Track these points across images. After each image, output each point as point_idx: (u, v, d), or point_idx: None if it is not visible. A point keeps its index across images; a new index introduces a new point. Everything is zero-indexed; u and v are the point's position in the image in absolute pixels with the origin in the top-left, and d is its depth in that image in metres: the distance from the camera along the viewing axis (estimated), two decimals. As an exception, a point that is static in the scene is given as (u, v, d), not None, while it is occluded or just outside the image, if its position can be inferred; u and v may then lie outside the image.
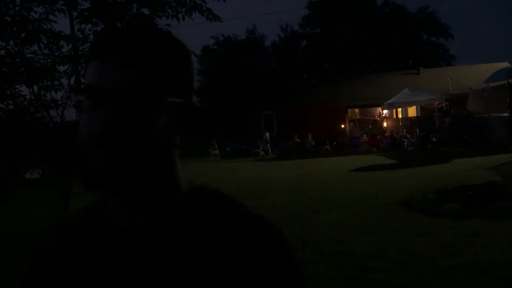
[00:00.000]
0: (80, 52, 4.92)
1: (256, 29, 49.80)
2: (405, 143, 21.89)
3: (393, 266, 5.15)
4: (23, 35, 4.52)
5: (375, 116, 27.90)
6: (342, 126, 28.20)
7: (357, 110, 29.54)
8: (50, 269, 0.81)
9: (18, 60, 4.58)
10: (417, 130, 22.47)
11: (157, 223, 0.76)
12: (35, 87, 4.67)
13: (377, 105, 26.34)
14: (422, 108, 25.72)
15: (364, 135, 24.82)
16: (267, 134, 26.32)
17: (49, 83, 4.78)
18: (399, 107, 25.72)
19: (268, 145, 25.24)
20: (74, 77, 4.91)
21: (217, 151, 25.45)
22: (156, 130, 0.73)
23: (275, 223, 0.78)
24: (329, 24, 46.00)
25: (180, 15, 4.65)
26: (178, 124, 0.77)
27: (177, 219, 0.76)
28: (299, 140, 24.70)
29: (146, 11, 4.74)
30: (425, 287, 4.57)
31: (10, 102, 4.63)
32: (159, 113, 0.73)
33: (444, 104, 22.75)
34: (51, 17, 4.60)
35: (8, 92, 4.56)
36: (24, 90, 4.76)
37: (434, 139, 21.60)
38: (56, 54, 4.84)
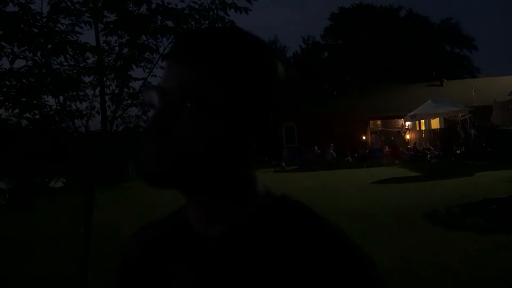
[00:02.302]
0: (105, 64, 4.99)
1: (278, 40, 49.90)
2: (428, 155, 21.60)
3: (416, 279, 5.09)
4: (50, 46, 4.60)
5: (397, 128, 27.63)
6: (364, 137, 27.99)
7: (379, 122, 29.32)
8: (134, 270, 0.84)
9: (44, 70, 4.66)
10: (438, 142, 22.15)
11: (234, 230, 0.75)
12: (61, 97, 4.74)
13: (400, 117, 26.13)
14: (445, 120, 25.42)
15: (387, 147, 24.57)
16: None
17: (74, 93, 4.85)
18: (422, 119, 25.47)
19: None
20: (99, 88, 4.97)
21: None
22: (213, 131, 0.71)
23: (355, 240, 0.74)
24: (351, 35, 45.92)
25: (202, 27, 4.69)
26: (249, 130, 0.74)
27: (254, 227, 0.75)
28: (320, 151, 24.59)
29: (170, 23, 4.79)
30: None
31: (37, 112, 4.71)
32: (218, 116, 0.71)
33: (467, 116, 22.44)
34: (77, 29, 4.68)
35: (34, 102, 4.64)
36: (50, 100, 4.84)
37: (457, 152, 21.28)
38: (81, 65, 4.91)
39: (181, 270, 0.77)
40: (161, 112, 0.72)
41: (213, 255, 0.75)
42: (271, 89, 0.75)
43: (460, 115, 22.66)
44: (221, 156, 0.73)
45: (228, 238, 0.75)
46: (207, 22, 4.62)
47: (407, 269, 5.44)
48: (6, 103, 4.57)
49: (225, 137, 0.72)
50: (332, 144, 24.37)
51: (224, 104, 0.71)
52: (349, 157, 23.99)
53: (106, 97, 4.85)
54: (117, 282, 0.88)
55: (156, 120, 0.71)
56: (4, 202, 19.72)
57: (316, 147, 24.57)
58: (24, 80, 4.67)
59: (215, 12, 4.60)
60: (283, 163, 23.84)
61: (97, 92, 4.95)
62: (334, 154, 24.11)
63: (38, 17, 4.59)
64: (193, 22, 4.66)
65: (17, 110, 4.66)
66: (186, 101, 0.70)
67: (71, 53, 4.75)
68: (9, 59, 4.63)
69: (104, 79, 5.00)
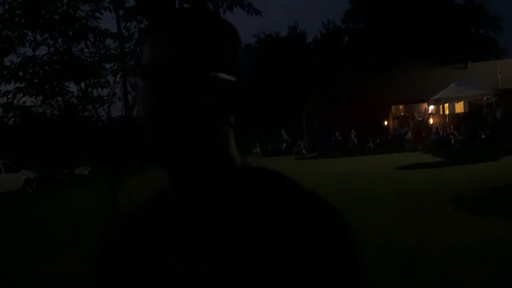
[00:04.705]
0: (126, 50, 5.00)
1: (298, 26, 49.34)
2: (452, 140, 21.24)
3: (444, 263, 5.02)
4: (70, 33, 4.63)
5: (420, 113, 27.18)
6: (386, 123, 27.65)
7: (401, 107, 28.90)
8: (118, 250, 0.85)
9: (66, 57, 4.69)
10: (462, 126, 21.74)
11: (212, 198, 0.77)
12: (83, 84, 4.78)
13: (423, 101, 25.69)
14: (470, 104, 24.91)
15: (409, 132, 24.23)
16: (283, 132, 26.39)
17: (96, 80, 4.88)
18: (446, 103, 25.00)
19: (285, 143, 25.24)
20: (120, 74, 4.99)
21: (259, 149, 25.48)
22: (204, 104, 0.74)
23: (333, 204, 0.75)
24: (373, 18, 45.20)
25: (221, 10, 4.67)
26: (228, 101, 0.77)
27: (228, 194, 0.77)
28: (341, 138, 24.41)
29: (188, 6, 4.77)
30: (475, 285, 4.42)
31: (59, 98, 4.76)
32: (207, 88, 0.74)
33: (493, 99, 21.95)
34: (97, 15, 4.69)
35: (57, 89, 4.68)
36: (72, 87, 4.88)
37: (483, 136, 20.87)
38: (102, 51, 4.94)
39: (166, 241, 0.79)
40: (162, 88, 0.72)
41: (194, 223, 0.77)
42: (239, 59, 0.80)
43: (485, 98, 22.17)
44: (211, 129, 0.76)
45: (208, 206, 0.77)
46: (225, 4, 4.59)
47: (433, 254, 5.37)
48: (30, 90, 4.63)
49: (216, 110, 0.76)
50: (353, 130, 24.15)
51: (217, 77, 0.75)
52: (370, 143, 23.76)
53: (127, 83, 4.88)
54: (99, 265, 0.89)
55: (159, 99, 0.72)
56: (31, 191, 20.16)
57: (337, 134, 24.39)
58: (46, 67, 4.71)
59: (233, -6, 4.57)
60: (303, 150, 23.75)
61: (118, 78, 4.97)
62: (356, 141, 23.91)
63: (59, 4, 4.61)
64: (211, 5, 4.64)
65: (40, 97, 4.71)
66: (188, 75, 0.72)
67: (92, 40, 4.78)
68: (32, 46, 4.68)
69: (125, 65, 5.01)
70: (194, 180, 0.78)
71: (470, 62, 30.79)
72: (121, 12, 4.94)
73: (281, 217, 0.71)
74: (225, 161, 0.80)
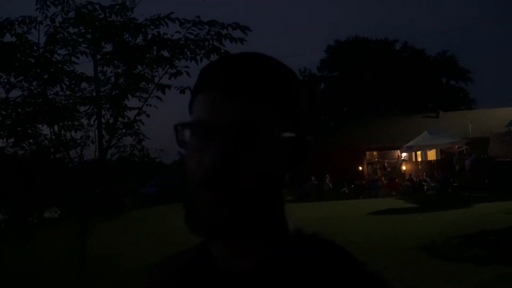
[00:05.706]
0: (101, 93, 5.02)
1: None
2: (425, 187, 21.54)
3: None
4: (46, 76, 4.63)
5: (393, 160, 27.62)
6: (360, 168, 27.95)
7: (375, 153, 29.33)
8: None
9: (40, 100, 4.68)
10: (436, 173, 22.12)
11: (262, 266, 0.70)
12: (56, 127, 4.75)
13: (396, 148, 26.15)
14: (442, 152, 25.44)
15: (383, 178, 24.52)
16: None
17: (69, 123, 4.86)
18: (418, 150, 25.48)
19: None
20: (94, 117, 4.98)
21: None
22: (270, 166, 0.67)
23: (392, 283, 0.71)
24: (347, 67, 46.38)
25: (198, 57, 4.74)
26: (291, 161, 0.71)
27: (283, 264, 0.70)
28: (316, 182, 24.50)
29: (165, 53, 4.84)
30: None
31: (31, 141, 4.71)
32: (273, 149, 0.67)
33: (464, 147, 22.46)
34: (73, 59, 4.73)
35: (29, 131, 4.64)
36: (45, 130, 4.84)
37: (455, 183, 21.23)
38: (77, 95, 4.94)
39: None
40: (227, 150, 0.64)
41: None
42: (308, 116, 0.75)
43: (456, 146, 22.69)
44: (273, 193, 0.70)
45: (257, 274, 0.70)
46: (202, 52, 4.67)
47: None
48: (1, 132, 4.58)
49: (279, 171, 0.70)
50: (328, 175, 24.30)
51: (284, 136, 0.69)
52: (345, 188, 23.88)
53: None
54: None
55: (218, 162, 0.64)
56: (-2, 233, 19.50)
57: (312, 178, 24.48)
58: (19, 110, 4.69)
59: (211, 42, 4.65)
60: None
61: (92, 121, 4.96)
62: (331, 185, 24.03)
63: (35, 48, 4.64)
64: (188, 53, 4.71)
65: (12, 139, 4.66)
66: (256, 136, 0.65)
67: (67, 83, 4.79)
68: (5, 89, 4.66)
69: (100, 108, 5.00)
70: (247, 247, 0.71)
71: (441, 112, 31.68)
72: (98, 57, 4.97)
73: None
74: (281, 225, 0.73)
